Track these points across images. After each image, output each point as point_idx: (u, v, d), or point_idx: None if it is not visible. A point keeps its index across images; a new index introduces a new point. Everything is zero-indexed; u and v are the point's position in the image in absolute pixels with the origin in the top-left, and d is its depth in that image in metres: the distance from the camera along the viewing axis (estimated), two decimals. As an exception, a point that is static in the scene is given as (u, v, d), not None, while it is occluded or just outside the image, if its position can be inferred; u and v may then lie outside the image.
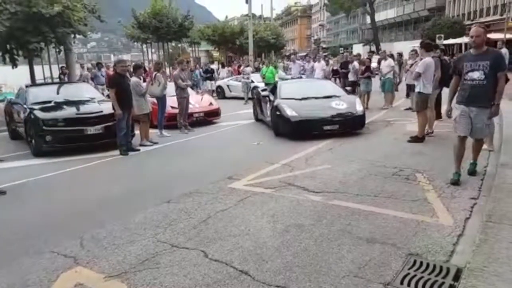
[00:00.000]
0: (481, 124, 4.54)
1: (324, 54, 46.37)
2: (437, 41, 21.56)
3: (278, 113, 8.10)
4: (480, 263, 2.54)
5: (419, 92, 7.10)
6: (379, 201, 4.23)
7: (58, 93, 9.08)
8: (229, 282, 2.79)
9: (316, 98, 8.39)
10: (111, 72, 15.66)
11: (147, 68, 17.28)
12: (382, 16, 47.92)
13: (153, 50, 36.86)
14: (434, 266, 2.86)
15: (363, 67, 11.87)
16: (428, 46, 7.46)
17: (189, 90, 9.94)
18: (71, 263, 3.18)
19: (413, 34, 42.37)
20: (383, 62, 12.11)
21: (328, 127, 7.69)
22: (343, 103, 8.13)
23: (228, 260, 3.09)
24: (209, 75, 18.65)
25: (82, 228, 3.87)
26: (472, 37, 4.44)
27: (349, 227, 3.56)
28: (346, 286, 2.68)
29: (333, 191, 4.61)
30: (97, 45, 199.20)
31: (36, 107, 7.84)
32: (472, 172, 4.94)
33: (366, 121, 8.42)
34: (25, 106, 8.19)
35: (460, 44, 26.79)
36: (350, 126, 7.87)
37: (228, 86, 17.45)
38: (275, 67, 15.73)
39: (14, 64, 14.80)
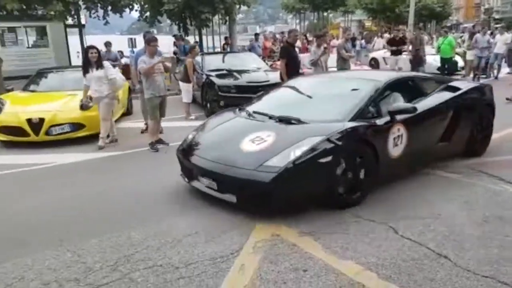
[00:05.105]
0: None
1: (496, 26, 39.34)
2: None
3: None
4: None
5: None
6: None
7: (227, 62, 9.96)
8: (427, 263, 2.70)
9: None
10: (267, 43, 16.36)
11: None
12: None
13: (297, 21, 37.15)
14: None
15: None
16: None
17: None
18: (266, 214, 3.48)
19: None
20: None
21: None
22: None
23: (421, 241, 2.98)
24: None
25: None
26: None
27: None
28: None
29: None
30: (245, 16, 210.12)
31: (212, 74, 8.78)
32: None
33: None
34: (201, 72, 9.24)
35: None
36: None
37: (384, 58, 16.40)
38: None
39: (186, 33, 16.73)
